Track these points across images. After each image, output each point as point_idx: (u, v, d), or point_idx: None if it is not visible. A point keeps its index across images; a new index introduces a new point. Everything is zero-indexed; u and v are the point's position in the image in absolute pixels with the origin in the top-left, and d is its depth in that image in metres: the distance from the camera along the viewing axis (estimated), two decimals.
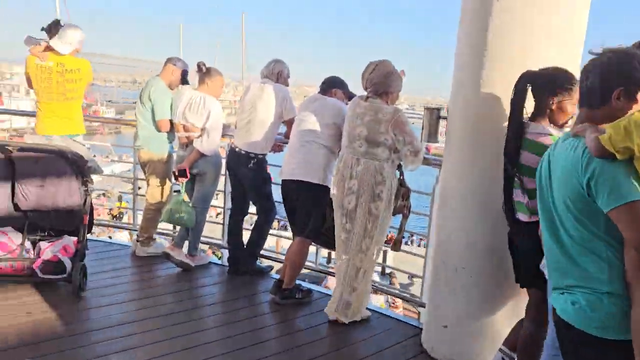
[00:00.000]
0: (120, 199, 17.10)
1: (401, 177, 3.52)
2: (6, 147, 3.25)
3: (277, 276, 4.18)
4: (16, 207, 3.45)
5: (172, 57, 4.48)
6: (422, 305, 3.73)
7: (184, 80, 4.50)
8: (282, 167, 3.82)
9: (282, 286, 3.85)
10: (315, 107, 3.73)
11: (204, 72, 4.31)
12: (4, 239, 3.56)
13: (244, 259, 4.32)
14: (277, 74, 4.16)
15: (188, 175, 4.13)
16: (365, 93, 3.44)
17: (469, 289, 2.96)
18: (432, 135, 3.37)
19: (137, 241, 4.60)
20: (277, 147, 4.37)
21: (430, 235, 3.70)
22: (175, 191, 4.50)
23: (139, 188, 5.26)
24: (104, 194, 20.06)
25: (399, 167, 3.46)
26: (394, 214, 3.47)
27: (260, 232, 4.31)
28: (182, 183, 4.18)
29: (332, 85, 3.85)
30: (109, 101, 68.07)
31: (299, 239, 3.78)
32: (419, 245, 17.77)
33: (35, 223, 3.67)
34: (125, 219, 17.57)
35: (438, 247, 3.16)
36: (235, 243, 4.36)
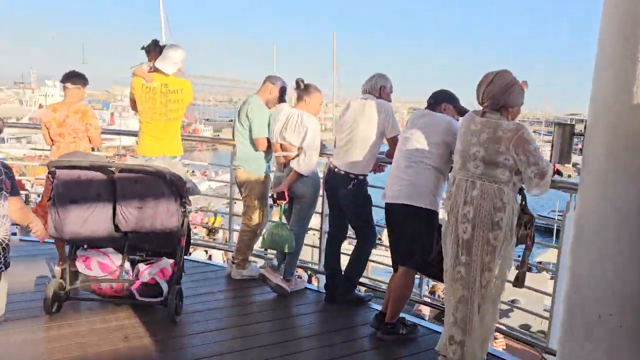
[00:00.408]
0: (215, 214, 17.62)
1: (523, 203, 3.06)
2: (109, 168, 3.23)
3: (378, 307, 3.86)
4: (117, 228, 3.42)
5: (271, 75, 4.36)
6: (551, 353, 3.21)
7: (281, 98, 4.35)
8: (385, 189, 3.51)
9: (385, 320, 3.51)
10: (423, 123, 3.39)
11: (302, 89, 4.13)
12: (106, 260, 3.56)
13: (342, 286, 4.04)
14: (379, 89, 3.88)
15: (287, 197, 3.93)
16: (480, 108, 3.04)
17: (618, 342, 2.44)
18: (565, 155, 2.88)
19: (233, 263, 4.48)
20: (379, 167, 4.08)
21: (559, 271, 3.20)
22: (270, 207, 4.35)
23: (230, 201, 5.18)
24: (200, 209, 20.82)
25: (521, 190, 3.02)
26: (515, 245, 3.02)
27: (360, 258, 4.01)
28: (281, 206, 4.00)
29: (442, 100, 3.49)
30: (207, 119, 71.62)
31: (404, 269, 3.43)
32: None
33: (134, 244, 3.64)
34: (220, 234, 18.10)
35: (573, 286, 2.66)
36: (333, 269, 4.10)
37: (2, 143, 37.00)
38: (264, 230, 4.16)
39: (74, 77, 4.24)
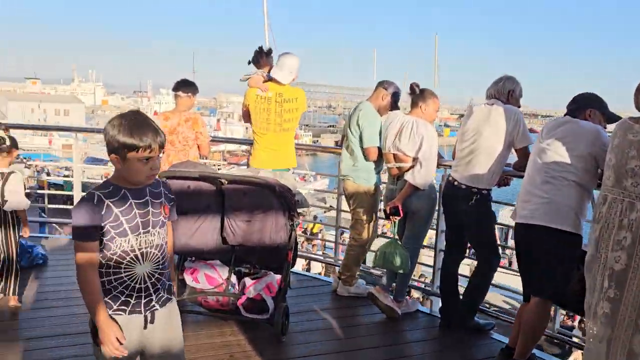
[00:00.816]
0: (315, 218, 17.67)
1: None
2: (218, 179, 3.12)
3: (501, 338, 3.42)
4: (224, 240, 3.31)
5: (384, 80, 4.07)
6: None
7: (394, 105, 4.04)
8: (515, 208, 3.07)
9: (513, 356, 3.06)
10: (563, 132, 2.92)
11: (417, 95, 3.79)
12: (213, 273, 3.46)
13: (460, 311, 3.64)
14: (507, 93, 3.44)
15: (401, 213, 3.61)
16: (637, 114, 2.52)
17: None
18: None
19: (339, 279, 4.24)
20: (504, 181, 3.63)
21: None
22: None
23: (337, 213, 4.94)
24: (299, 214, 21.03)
25: None
26: None
27: (481, 283, 3.58)
28: (395, 222, 3.68)
29: (587, 105, 2.99)
30: (307, 125, 72.91)
31: (538, 300, 2.97)
32: None
33: (241, 257, 3.51)
34: (318, 241, 18.12)
35: None
36: (450, 291, 3.71)
37: None
38: (376, 248, 3.86)
39: (185, 86, 4.24)
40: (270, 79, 4.04)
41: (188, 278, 3.45)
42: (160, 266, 1.94)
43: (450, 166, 3.73)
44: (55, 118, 60.94)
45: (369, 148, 3.93)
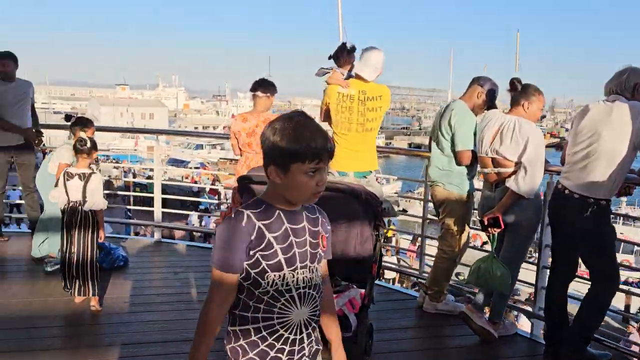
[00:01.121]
0: (389, 223, 17.22)
1: None
2: None
3: None
4: None
5: (479, 76, 3.68)
6: None
7: (491, 103, 3.63)
8: None
9: None
10: None
11: (520, 91, 3.36)
12: None
13: (569, 338, 3.16)
14: (633, 87, 2.95)
15: (502, 225, 3.19)
16: None
17: None
18: None
19: (426, 294, 3.88)
20: (626, 190, 3.13)
21: None
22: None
23: (423, 221, 4.57)
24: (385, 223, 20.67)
25: None
26: None
27: (598, 307, 3.09)
28: (494, 235, 3.28)
29: None
30: (380, 127, 71.95)
31: None
32: None
33: None
34: (392, 242, 17.64)
35: None
36: (558, 316, 3.24)
37: (200, 149, 41.81)
38: (465, 260, 3.47)
39: (263, 85, 4.06)
40: (350, 77, 3.77)
41: None
42: (317, 312, 1.56)
43: (558, 172, 3.27)
44: (141, 121, 64.40)
45: (462, 151, 3.55)
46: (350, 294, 3.18)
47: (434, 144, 3.78)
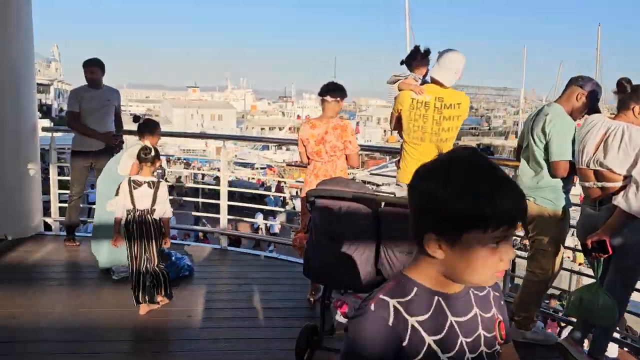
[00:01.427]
0: None
1: None
2: (374, 200, 2.60)
3: None
4: (379, 272, 2.79)
5: (578, 76, 3.24)
6: None
7: (592, 107, 3.19)
8: None
9: None
10: None
11: (629, 93, 2.91)
12: None
13: None
14: None
15: (610, 249, 2.76)
16: None
17: None
18: None
19: (512, 320, 3.48)
20: None
21: None
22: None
23: None
24: None
25: None
26: None
27: None
28: (599, 260, 2.84)
29: None
30: None
31: None
32: None
33: None
34: None
35: None
36: None
37: (266, 150, 42.37)
38: (573, 294, 3.05)
39: (332, 90, 3.81)
40: (424, 82, 3.46)
41: (336, 312, 2.98)
42: None
43: None
44: (211, 122, 66.34)
45: (558, 162, 3.13)
46: None
47: (524, 153, 3.38)
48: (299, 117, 69.43)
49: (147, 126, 4.28)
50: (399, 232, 2.62)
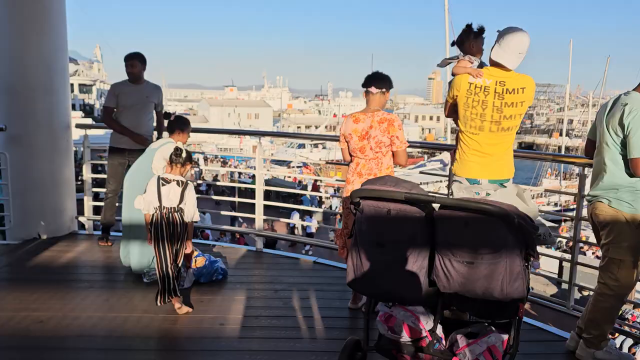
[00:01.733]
0: None
1: None
2: (429, 202, 2.26)
3: None
4: (432, 283, 2.46)
5: None
6: None
7: None
8: None
9: None
10: None
11: None
12: (413, 322, 2.62)
13: None
14: None
15: None
16: None
17: None
18: None
19: (580, 337, 3.09)
20: None
21: None
22: None
23: (574, 244, 3.73)
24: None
25: None
26: None
27: None
28: None
29: None
30: None
31: None
32: None
33: (451, 305, 2.62)
34: None
35: None
36: None
37: (302, 148, 42.24)
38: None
39: (377, 80, 3.49)
40: (482, 65, 3.11)
41: (382, 327, 2.67)
42: None
43: None
44: (247, 121, 66.84)
45: (638, 159, 2.73)
46: (490, 340, 2.51)
47: (599, 147, 2.98)
48: (335, 115, 69.15)
49: (177, 123, 4.11)
50: (458, 238, 2.28)
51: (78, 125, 5.68)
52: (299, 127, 68.01)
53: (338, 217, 20.61)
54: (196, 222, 3.67)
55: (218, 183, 23.39)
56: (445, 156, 30.11)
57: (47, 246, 5.03)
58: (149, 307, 3.64)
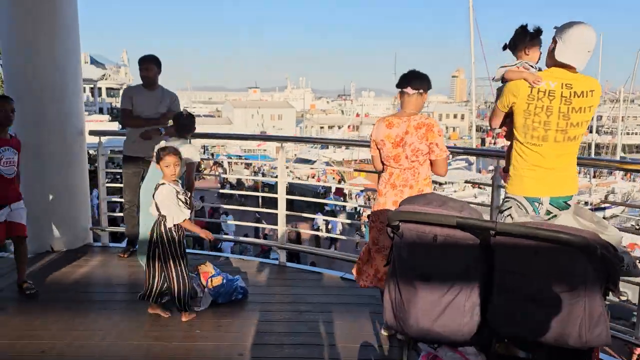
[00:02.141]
0: None
1: None
2: (487, 228, 1.86)
3: None
4: (486, 322, 2.05)
5: None
6: None
7: None
8: None
9: None
10: None
11: None
12: None
13: None
14: None
15: None
16: None
17: None
18: None
19: None
20: None
21: None
22: None
23: None
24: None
25: None
26: None
27: None
28: None
29: None
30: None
31: None
32: None
33: (509, 345, 2.20)
34: None
35: None
36: None
37: (325, 149, 41.80)
38: None
39: (415, 79, 3.08)
40: (539, 69, 2.69)
41: None
42: None
43: None
44: (271, 122, 66.81)
45: None
46: None
47: None
48: (357, 114, 68.57)
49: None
50: (524, 271, 1.87)
51: (92, 132, 5.40)
52: (322, 127, 67.62)
53: (362, 225, 20.20)
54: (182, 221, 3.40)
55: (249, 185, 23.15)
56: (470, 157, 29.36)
57: (60, 260, 4.76)
58: (161, 333, 3.32)
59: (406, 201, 2.15)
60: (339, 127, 62.34)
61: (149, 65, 4.60)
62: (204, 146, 40.31)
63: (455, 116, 78.81)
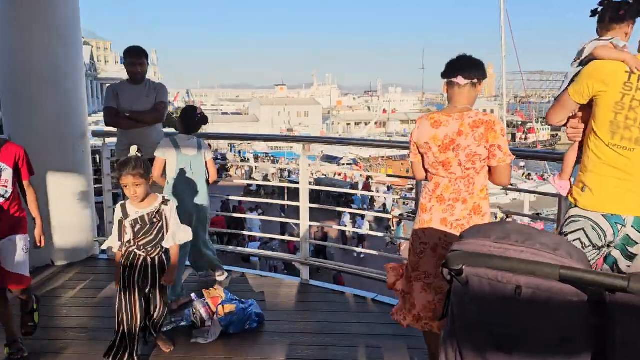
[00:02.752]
0: None
1: None
2: (609, 286, 1.23)
3: None
4: None
5: None
6: None
7: None
8: None
9: None
10: None
11: None
12: None
13: None
14: None
15: None
16: None
17: None
18: None
19: None
20: None
21: None
22: None
23: None
24: None
25: None
26: None
27: None
28: None
29: None
30: (543, 118, 65.62)
31: None
32: None
33: None
34: None
35: None
36: None
37: (352, 146, 41.24)
38: None
39: (467, 67, 2.43)
40: None
41: None
42: None
43: None
44: (297, 119, 66.52)
45: None
46: None
47: None
48: (384, 111, 67.59)
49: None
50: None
51: (95, 134, 4.93)
52: (348, 124, 66.88)
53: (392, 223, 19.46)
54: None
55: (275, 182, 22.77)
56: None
57: (60, 276, 4.31)
58: None
59: (472, 233, 1.53)
60: (366, 124, 61.53)
61: (142, 60, 4.20)
62: (231, 144, 40.21)
63: (484, 111, 77.20)
